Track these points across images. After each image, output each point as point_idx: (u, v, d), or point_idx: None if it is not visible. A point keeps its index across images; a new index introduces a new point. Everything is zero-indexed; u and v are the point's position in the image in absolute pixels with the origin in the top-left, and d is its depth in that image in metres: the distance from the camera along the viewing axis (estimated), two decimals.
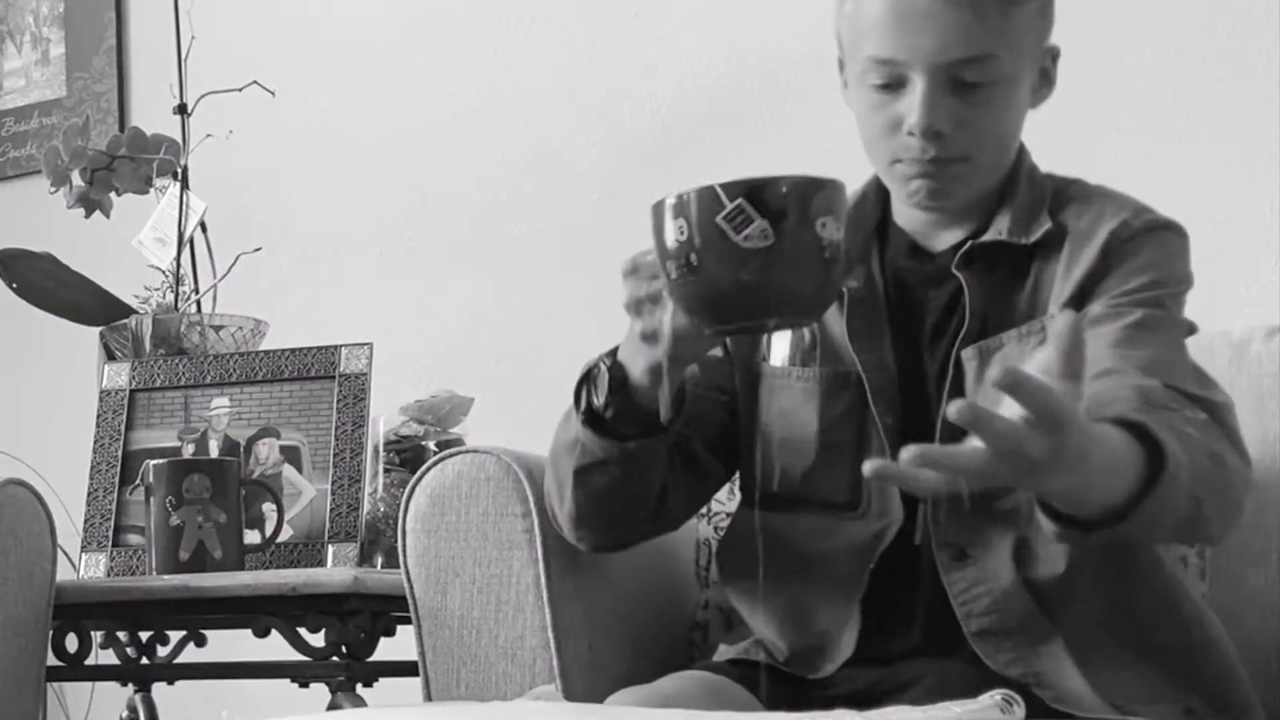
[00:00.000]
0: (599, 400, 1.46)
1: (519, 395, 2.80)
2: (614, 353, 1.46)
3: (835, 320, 1.55)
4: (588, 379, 1.48)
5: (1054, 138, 2.46)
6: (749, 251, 1.23)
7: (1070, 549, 1.43)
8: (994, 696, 1.05)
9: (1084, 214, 1.53)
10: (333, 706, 2.07)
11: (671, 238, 1.27)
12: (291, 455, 2.25)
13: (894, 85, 1.47)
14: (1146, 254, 1.50)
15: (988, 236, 1.53)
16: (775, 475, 1.55)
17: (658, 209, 1.28)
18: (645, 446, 1.47)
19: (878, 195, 1.60)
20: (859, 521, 1.51)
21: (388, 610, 2.08)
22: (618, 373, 1.45)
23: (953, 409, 1.08)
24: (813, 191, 1.25)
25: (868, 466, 1.14)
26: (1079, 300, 1.48)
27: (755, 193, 1.24)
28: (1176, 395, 1.38)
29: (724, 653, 1.58)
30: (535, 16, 2.92)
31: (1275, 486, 1.67)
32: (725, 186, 1.24)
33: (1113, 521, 1.26)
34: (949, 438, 1.41)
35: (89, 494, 2.32)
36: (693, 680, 1.50)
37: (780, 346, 1.58)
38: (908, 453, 1.11)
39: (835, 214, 1.26)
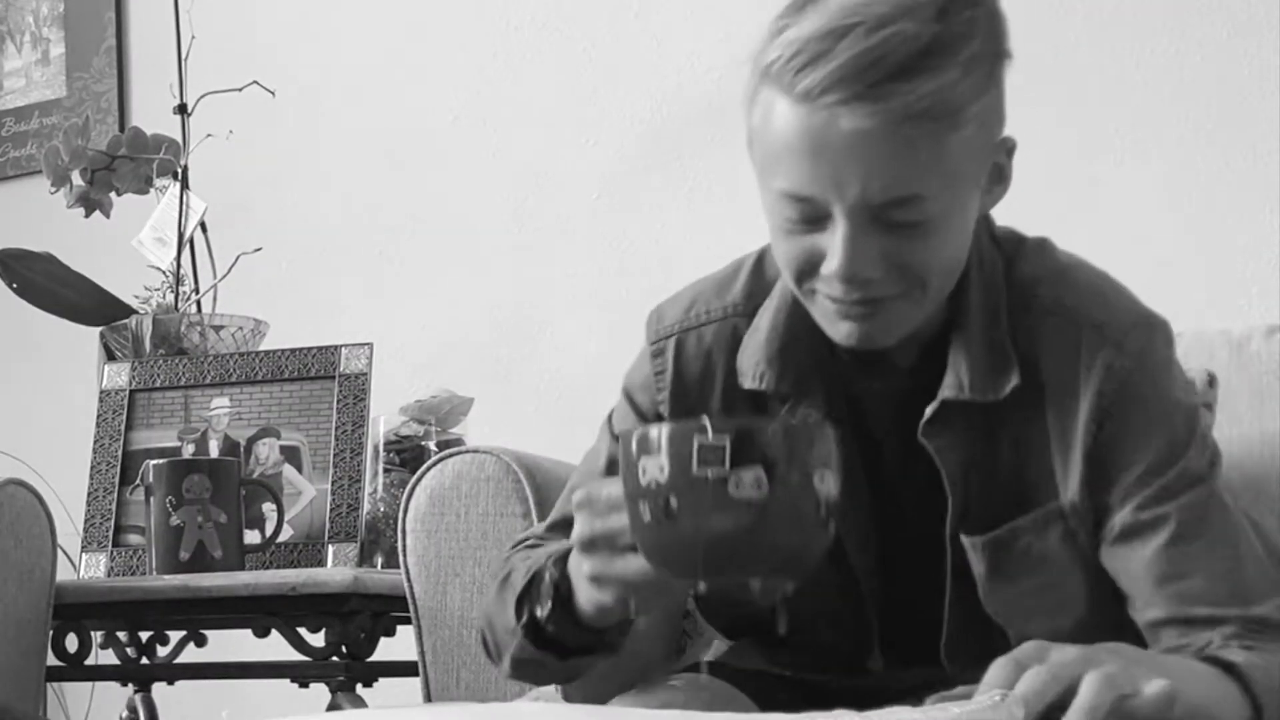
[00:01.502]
0: (540, 612, 1.32)
1: (519, 395, 2.80)
2: (562, 561, 1.30)
3: None
4: (533, 583, 1.33)
5: (1054, 139, 2.46)
6: (739, 503, 1.08)
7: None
8: (993, 696, 1.05)
9: (1055, 350, 1.34)
10: (333, 706, 2.07)
11: (649, 476, 1.11)
12: (291, 455, 2.25)
13: (811, 220, 1.26)
14: (1146, 404, 1.32)
15: (948, 393, 1.33)
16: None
17: (639, 441, 1.12)
18: (586, 660, 1.34)
19: None
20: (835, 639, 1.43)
21: (388, 610, 2.08)
22: (563, 587, 1.29)
23: None
24: (813, 439, 1.11)
25: None
26: (1090, 476, 1.32)
27: (749, 436, 1.09)
28: (1256, 627, 1.24)
29: (717, 649, 1.57)
30: (535, 17, 2.93)
31: (1274, 484, 1.67)
32: (717, 425, 1.09)
33: None
34: (959, 614, 1.36)
35: (89, 494, 2.32)
36: (690, 682, 1.50)
37: None
38: None
39: (832, 467, 1.12)
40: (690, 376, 1.43)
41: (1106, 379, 1.31)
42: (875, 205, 1.23)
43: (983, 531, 1.35)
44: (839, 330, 1.30)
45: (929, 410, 1.33)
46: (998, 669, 1.08)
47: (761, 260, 1.44)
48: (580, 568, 1.24)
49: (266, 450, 2.27)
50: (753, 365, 1.39)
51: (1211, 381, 1.62)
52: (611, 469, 1.45)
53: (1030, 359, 1.33)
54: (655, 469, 1.11)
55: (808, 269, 1.28)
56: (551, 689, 1.57)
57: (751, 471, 1.08)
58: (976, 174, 1.28)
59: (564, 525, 1.46)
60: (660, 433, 1.11)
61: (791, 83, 1.22)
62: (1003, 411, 1.33)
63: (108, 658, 2.33)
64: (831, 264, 1.25)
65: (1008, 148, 1.31)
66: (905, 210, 1.23)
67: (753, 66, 1.29)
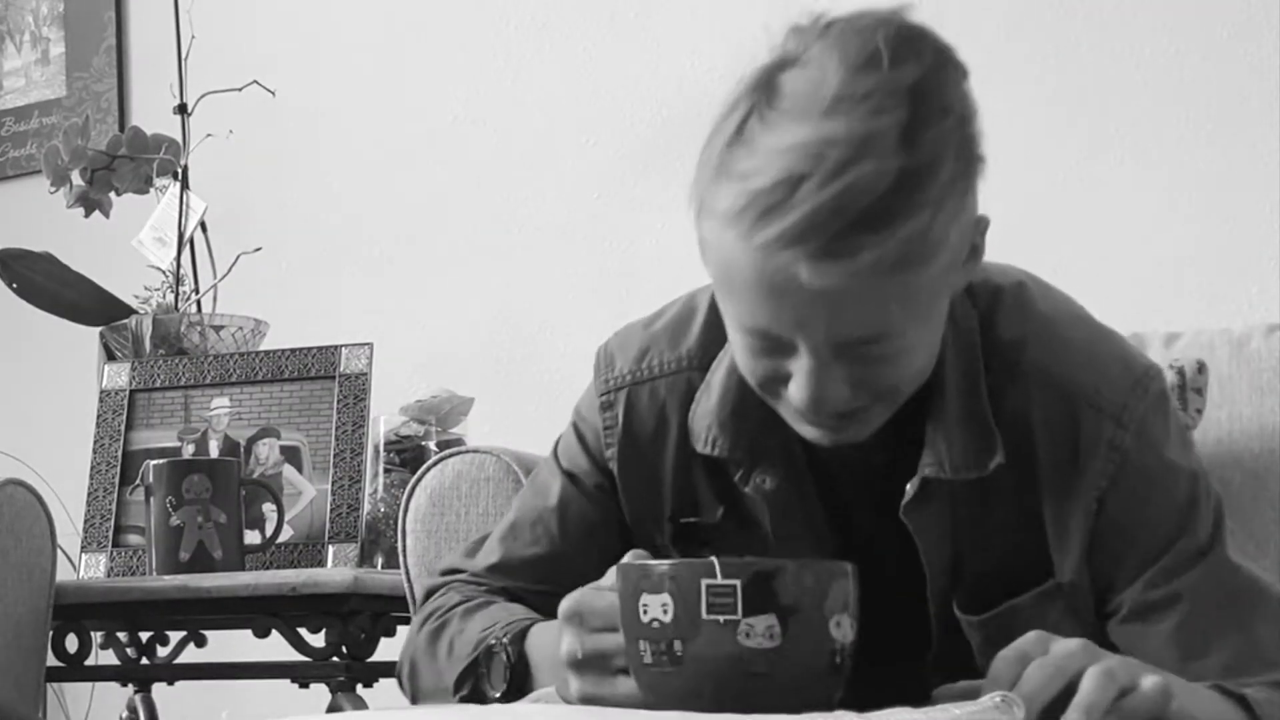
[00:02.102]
0: (493, 693, 1.25)
1: (519, 395, 2.80)
2: (519, 639, 1.25)
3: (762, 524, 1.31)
4: (485, 657, 1.27)
5: (1054, 139, 2.46)
6: (750, 651, 1.02)
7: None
8: (994, 698, 1.05)
9: (1049, 425, 1.26)
10: (333, 707, 2.07)
11: (651, 614, 1.05)
12: (292, 455, 2.25)
13: (773, 350, 1.17)
14: (1147, 478, 1.26)
15: (928, 471, 1.25)
16: None
17: (639, 576, 1.06)
18: None
19: None
20: None
21: (388, 610, 2.08)
22: (519, 671, 1.24)
23: None
24: (829, 583, 1.05)
25: None
26: (1091, 554, 1.27)
27: (763, 579, 1.03)
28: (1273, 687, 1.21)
29: None
30: (535, 17, 2.92)
31: (1274, 478, 1.67)
32: (727, 567, 1.03)
33: None
34: (944, 648, 1.32)
35: (89, 494, 2.32)
36: None
37: None
38: None
39: (850, 611, 1.06)
40: (642, 434, 1.35)
41: (1107, 457, 1.25)
42: (841, 343, 1.14)
43: (978, 610, 1.30)
44: (807, 432, 1.22)
45: (910, 488, 1.26)
46: (1002, 663, 1.08)
47: (716, 304, 1.30)
48: (568, 685, 1.16)
49: (266, 450, 2.27)
50: (704, 429, 1.31)
51: (1201, 368, 1.62)
52: (564, 506, 1.40)
53: (1021, 431, 1.26)
54: (658, 608, 1.04)
55: (771, 384, 1.19)
56: (551, 689, 1.57)
57: (764, 619, 1.02)
58: (952, 282, 1.19)
59: (504, 569, 1.41)
60: (664, 570, 1.05)
61: (746, 233, 1.10)
62: (990, 487, 1.26)
63: (108, 658, 2.33)
64: (796, 393, 1.16)
65: (981, 229, 1.19)
66: (874, 346, 1.14)
67: (695, 197, 1.15)
